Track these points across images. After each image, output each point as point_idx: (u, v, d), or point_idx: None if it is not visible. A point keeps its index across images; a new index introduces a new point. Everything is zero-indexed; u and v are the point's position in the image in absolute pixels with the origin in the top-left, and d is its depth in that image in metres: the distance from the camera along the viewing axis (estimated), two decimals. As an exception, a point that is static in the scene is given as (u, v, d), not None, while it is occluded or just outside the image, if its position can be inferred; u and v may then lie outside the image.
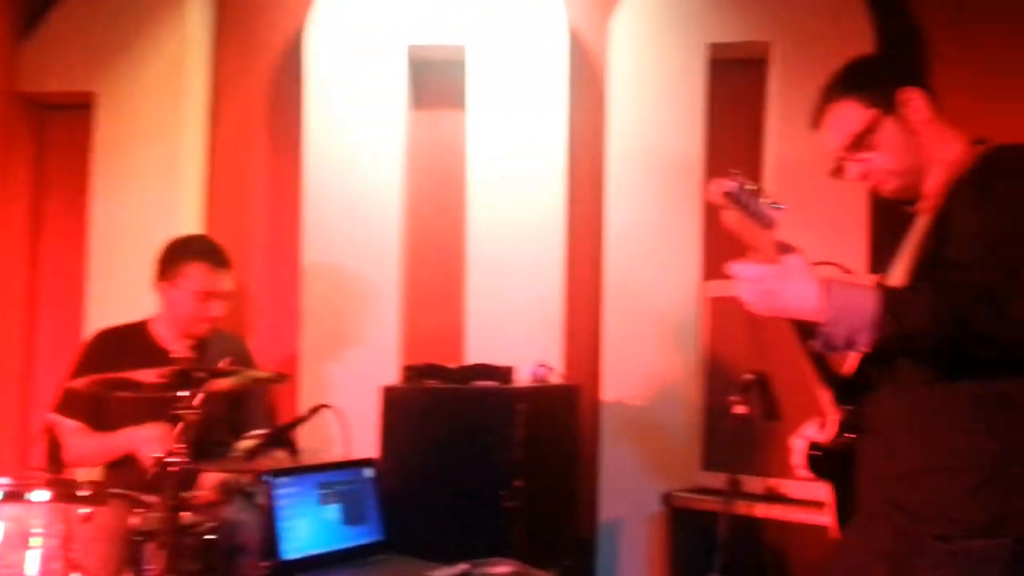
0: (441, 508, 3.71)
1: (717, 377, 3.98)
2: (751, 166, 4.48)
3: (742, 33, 4.49)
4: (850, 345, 2.04)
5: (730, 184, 1.94)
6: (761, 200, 1.99)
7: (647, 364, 4.43)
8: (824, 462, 2.46)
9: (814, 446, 2.46)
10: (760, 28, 4.47)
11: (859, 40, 4.19)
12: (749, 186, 1.96)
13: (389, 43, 4.63)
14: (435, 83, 4.81)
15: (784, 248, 2.06)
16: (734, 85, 4.62)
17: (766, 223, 2.01)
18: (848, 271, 3.59)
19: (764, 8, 4.46)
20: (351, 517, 3.37)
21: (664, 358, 4.41)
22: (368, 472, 3.50)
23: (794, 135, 4.18)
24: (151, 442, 3.46)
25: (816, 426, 2.50)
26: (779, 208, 2.03)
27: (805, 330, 2.14)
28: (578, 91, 4.62)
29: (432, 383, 3.89)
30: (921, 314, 1.99)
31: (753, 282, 2.06)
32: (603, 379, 4.48)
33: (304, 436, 4.11)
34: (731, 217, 1.99)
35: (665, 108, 4.51)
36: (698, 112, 4.49)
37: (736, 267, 2.07)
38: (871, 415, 2.35)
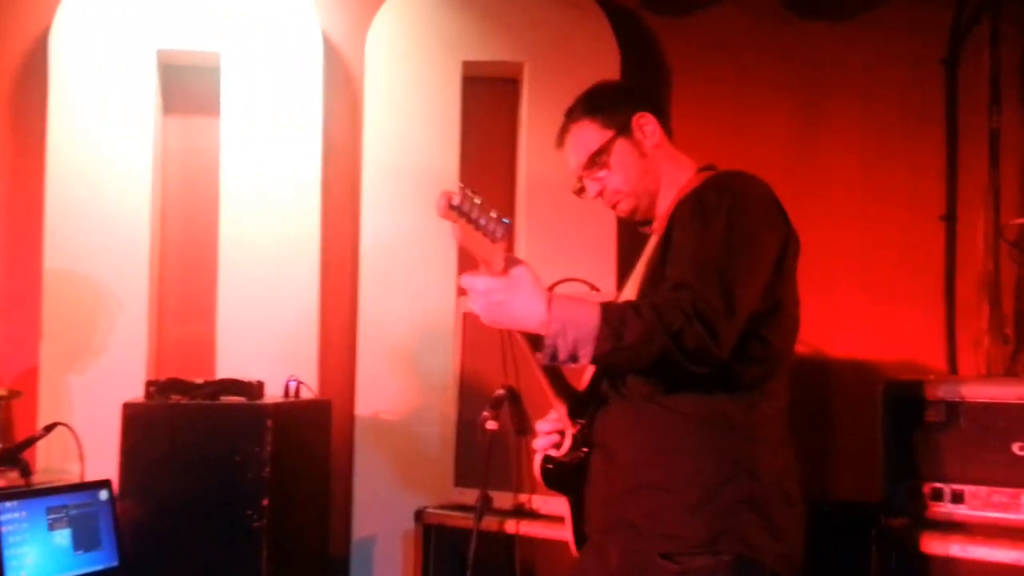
0: (184, 530, 3.55)
1: (471, 392, 3.98)
2: (505, 182, 4.60)
3: (497, 52, 4.56)
4: (574, 359, 2.07)
5: (456, 197, 1.93)
6: (488, 213, 1.99)
7: (402, 379, 4.42)
8: (558, 476, 2.50)
9: (547, 459, 2.50)
10: (514, 49, 4.56)
11: (606, 67, 4.36)
12: (475, 199, 1.96)
13: (138, 47, 4.47)
14: (189, 89, 4.67)
15: (512, 261, 2.08)
16: (489, 102, 4.71)
17: (494, 236, 2.02)
18: (595, 288, 3.69)
19: (518, 30, 4.55)
20: (83, 542, 3.24)
21: (419, 373, 4.42)
22: (104, 494, 3.38)
23: (545, 154, 4.20)
24: None
25: (552, 421, 2.53)
26: (506, 222, 2.04)
27: (534, 343, 2.18)
28: (334, 102, 4.59)
29: (176, 399, 3.75)
30: (637, 330, 2.03)
31: (482, 294, 2.08)
32: (357, 394, 4.43)
33: (41, 456, 3.96)
34: (459, 231, 1.99)
35: (421, 122, 4.53)
36: (454, 127, 4.53)
37: (466, 279, 2.09)
38: (601, 430, 2.40)
